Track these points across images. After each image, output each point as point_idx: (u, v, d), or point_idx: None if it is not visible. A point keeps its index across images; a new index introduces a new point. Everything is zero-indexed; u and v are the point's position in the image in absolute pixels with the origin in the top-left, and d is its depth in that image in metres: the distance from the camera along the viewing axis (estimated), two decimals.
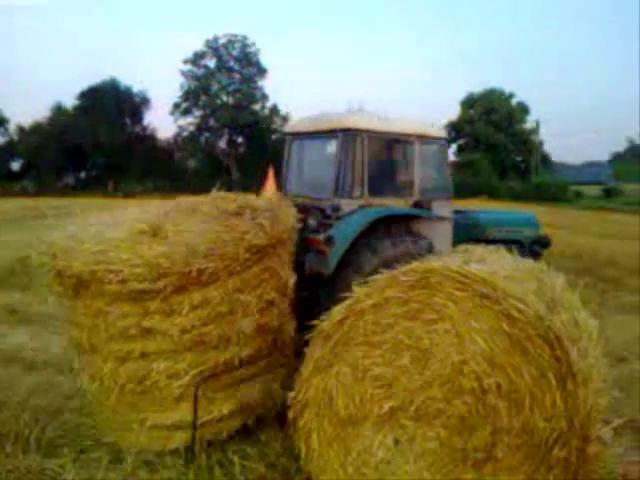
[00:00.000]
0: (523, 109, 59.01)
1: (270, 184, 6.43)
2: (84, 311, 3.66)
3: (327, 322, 3.07)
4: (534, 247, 6.99)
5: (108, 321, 3.56)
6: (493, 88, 59.32)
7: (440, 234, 6.02)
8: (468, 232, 6.21)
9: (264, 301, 3.90)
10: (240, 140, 51.45)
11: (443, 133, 6.54)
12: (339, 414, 3.04)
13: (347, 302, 3.05)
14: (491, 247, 3.93)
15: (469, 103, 59.51)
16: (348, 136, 5.49)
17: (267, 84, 51.91)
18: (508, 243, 5.75)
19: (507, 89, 58.90)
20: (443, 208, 6.17)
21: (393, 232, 5.58)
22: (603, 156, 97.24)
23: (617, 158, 64.95)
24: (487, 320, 2.74)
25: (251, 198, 4.53)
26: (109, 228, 4.00)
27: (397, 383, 2.91)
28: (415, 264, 2.97)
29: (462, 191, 43.87)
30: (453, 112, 60.08)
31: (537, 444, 2.66)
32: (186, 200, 4.74)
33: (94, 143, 45.09)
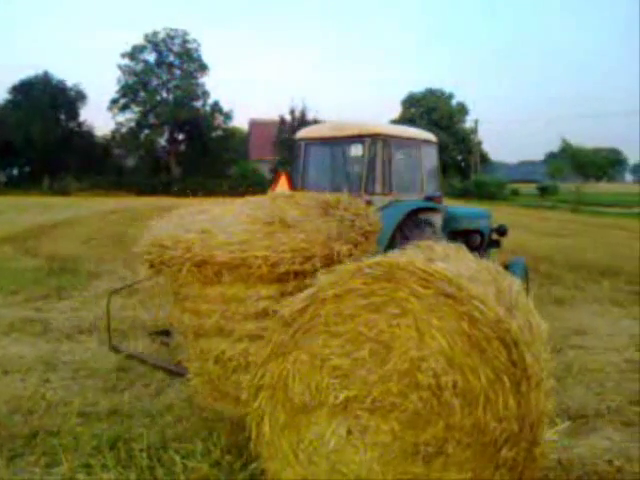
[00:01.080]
0: (462, 109, 60.41)
1: (282, 186, 7.07)
2: (215, 297, 3.94)
3: (288, 309, 3.03)
4: (492, 235, 8.03)
5: (247, 304, 3.89)
6: (433, 88, 60.41)
7: (438, 224, 6.99)
8: (448, 223, 7.14)
9: None
10: (181, 137, 50.58)
11: (436, 139, 7.61)
12: (293, 401, 3.02)
13: (310, 290, 3.02)
14: (452, 245, 4.00)
15: (410, 102, 60.42)
16: (376, 140, 6.38)
17: (209, 81, 51.24)
18: (475, 233, 7.29)
19: (447, 89, 60.17)
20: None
21: (420, 220, 6.56)
22: (538, 156, 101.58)
23: (552, 158, 67.42)
24: (449, 319, 2.76)
25: (322, 195, 5.11)
26: (223, 222, 4.49)
27: (355, 374, 2.91)
28: (380, 257, 2.97)
29: None
30: (394, 112, 60.95)
31: (487, 443, 2.71)
32: (252, 199, 5.31)
33: (26, 139, 43.33)
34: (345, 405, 2.93)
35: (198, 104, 49.65)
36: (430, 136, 7.54)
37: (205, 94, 50.07)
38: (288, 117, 47.86)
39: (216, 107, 50.18)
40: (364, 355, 2.88)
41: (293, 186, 7.07)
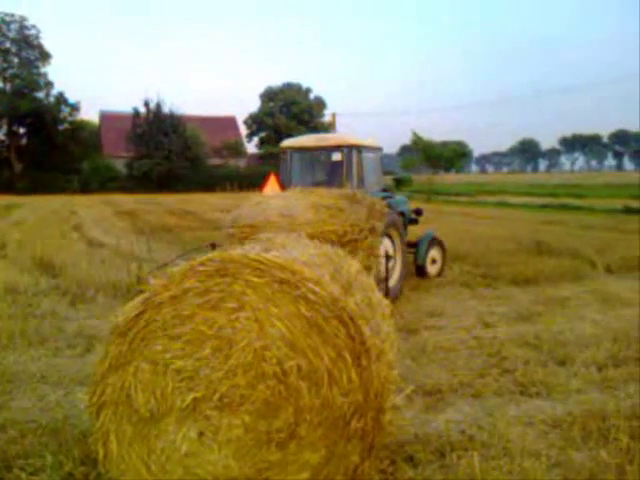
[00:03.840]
0: (320, 103, 61.63)
1: (272, 184, 8.65)
2: None
3: (122, 318, 2.92)
4: (412, 215, 10.12)
5: None
6: (291, 82, 61.07)
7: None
8: (393, 207, 8.79)
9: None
10: (22, 130, 46.50)
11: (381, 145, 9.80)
12: (139, 412, 2.91)
13: (143, 296, 2.94)
14: (293, 235, 4.09)
15: (269, 96, 60.58)
16: (352, 149, 8.24)
17: (52, 70, 47.62)
18: (402, 214, 9.21)
19: (304, 83, 61.09)
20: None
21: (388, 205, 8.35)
22: (394, 148, 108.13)
23: (405, 150, 71.12)
24: (286, 305, 2.81)
25: (339, 191, 7.45)
26: (292, 209, 6.63)
27: (199, 375, 2.87)
28: (213, 253, 2.96)
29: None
30: (253, 105, 60.83)
31: (336, 418, 2.80)
32: (287, 194, 7.57)
33: None
34: (193, 407, 2.89)
35: (40, 95, 45.95)
36: (379, 144, 9.56)
37: (48, 84, 46.49)
38: (143, 110, 46.05)
39: (61, 98, 46.75)
40: (207, 354, 2.85)
41: (282, 185, 8.63)
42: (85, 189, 39.77)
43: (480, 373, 5.14)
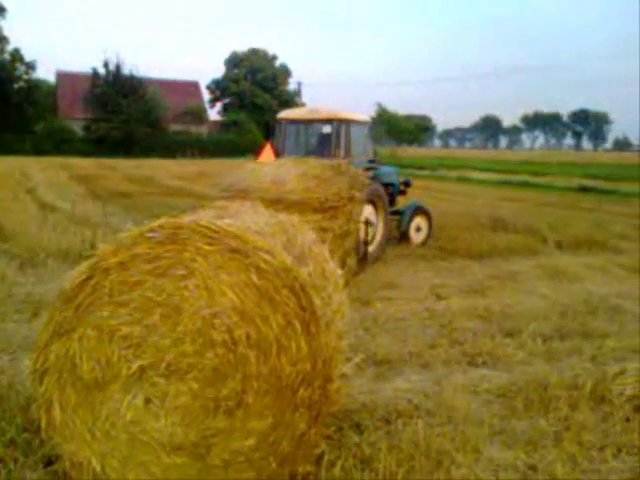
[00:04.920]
0: (286, 71, 60.77)
1: (267, 153, 9.37)
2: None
3: (69, 283, 2.87)
4: (401, 186, 10.83)
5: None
6: (257, 48, 59.94)
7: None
8: (380, 178, 9.56)
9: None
10: None
11: (369, 118, 10.78)
12: (84, 379, 2.88)
13: (90, 261, 2.88)
14: (248, 203, 4.07)
15: (234, 62, 59.43)
16: (341, 122, 8.95)
17: (7, 25, 45.53)
18: (391, 185, 10.12)
19: (270, 50, 60.08)
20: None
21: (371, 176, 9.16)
22: None
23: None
24: (237, 273, 2.80)
25: (327, 161, 7.92)
26: (280, 177, 7.19)
27: (147, 342, 2.84)
28: (164, 220, 2.92)
29: (231, 150, 43.92)
30: (218, 71, 59.62)
31: (284, 387, 2.82)
32: (279, 161, 8.24)
33: None
34: (140, 374, 2.87)
35: None
36: (368, 118, 10.56)
37: (3, 40, 44.52)
38: (102, 70, 44.66)
39: (17, 55, 44.86)
40: (155, 321, 2.82)
41: (276, 153, 9.32)
42: (39, 151, 38.52)
43: (430, 344, 5.25)
